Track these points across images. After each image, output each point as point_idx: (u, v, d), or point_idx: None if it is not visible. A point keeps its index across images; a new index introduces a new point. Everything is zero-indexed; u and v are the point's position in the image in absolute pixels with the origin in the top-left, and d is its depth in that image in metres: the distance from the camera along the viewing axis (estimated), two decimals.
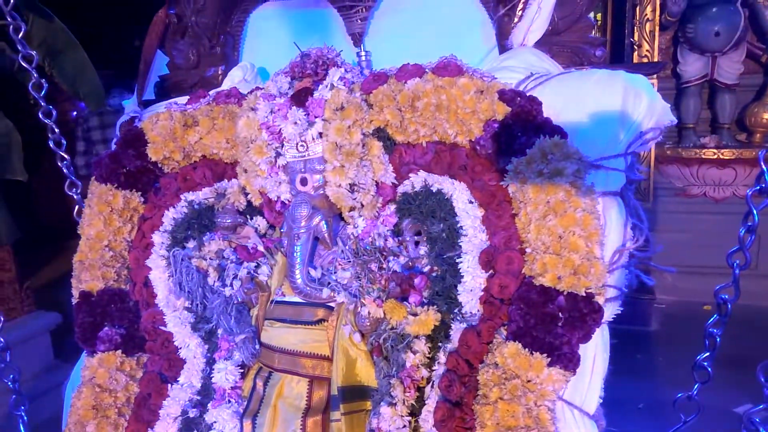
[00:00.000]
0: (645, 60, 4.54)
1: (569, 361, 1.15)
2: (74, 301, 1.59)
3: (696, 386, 1.53)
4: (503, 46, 1.64)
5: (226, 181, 1.62)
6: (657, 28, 4.55)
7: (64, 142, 1.88)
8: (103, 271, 1.55)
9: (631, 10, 4.53)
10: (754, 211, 1.34)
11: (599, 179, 1.30)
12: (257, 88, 1.55)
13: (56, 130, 1.86)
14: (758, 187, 1.32)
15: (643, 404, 3.41)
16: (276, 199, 1.49)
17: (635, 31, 4.56)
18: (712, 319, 1.47)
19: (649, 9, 4.52)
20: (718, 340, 1.48)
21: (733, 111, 4.69)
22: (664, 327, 4.24)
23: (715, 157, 4.56)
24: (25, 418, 1.85)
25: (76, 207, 1.85)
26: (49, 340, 3.81)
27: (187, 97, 1.68)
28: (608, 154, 1.32)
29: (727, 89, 4.63)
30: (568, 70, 1.47)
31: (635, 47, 4.57)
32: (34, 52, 1.80)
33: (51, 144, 1.87)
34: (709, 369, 1.49)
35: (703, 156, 4.57)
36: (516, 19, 1.60)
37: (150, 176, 1.62)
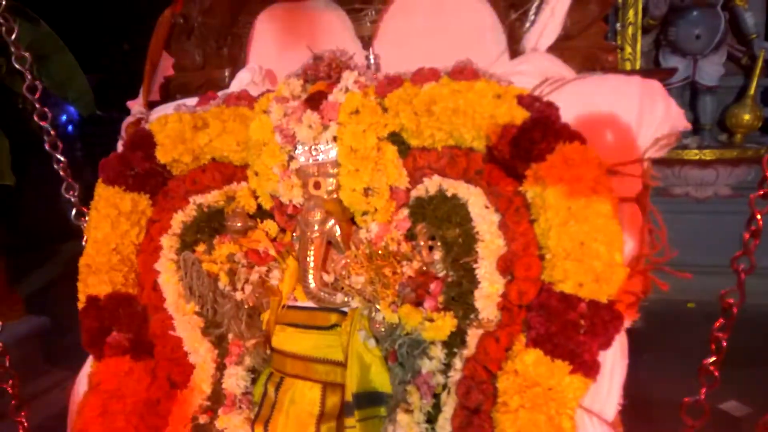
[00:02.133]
0: (628, 63, 4.62)
1: (590, 369, 1.15)
2: (80, 305, 1.56)
3: (703, 390, 1.54)
4: (514, 51, 1.63)
5: (235, 183, 1.60)
6: (639, 31, 4.62)
7: (60, 144, 1.85)
8: (110, 275, 1.52)
9: (614, 14, 4.59)
10: (758, 216, 1.35)
11: (615, 185, 1.30)
12: (268, 91, 1.54)
13: (52, 133, 1.84)
14: (762, 192, 1.34)
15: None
16: (288, 203, 1.48)
17: (618, 34, 4.62)
18: (717, 323, 1.47)
19: (631, 13, 4.59)
20: (724, 343, 1.49)
21: (714, 112, 4.78)
22: (648, 325, 4.28)
23: (697, 157, 4.63)
24: (26, 423, 1.82)
25: (74, 210, 1.82)
26: (38, 345, 3.76)
27: (196, 98, 1.66)
28: (624, 160, 1.33)
29: (708, 91, 4.72)
30: (582, 76, 1.47)
31: (618, 51, 4.62)
32: (27, 54, 1.78)
33: (47, 146, 1.84)
34: (716, 373, 1.50)
35: (685, 156, 4.63)
36: (528, 24, 1.59)
37: (158, 179, 1.59)
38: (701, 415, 1.54)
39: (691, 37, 4.56)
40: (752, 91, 4.59)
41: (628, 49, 4.61)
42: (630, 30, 4.59)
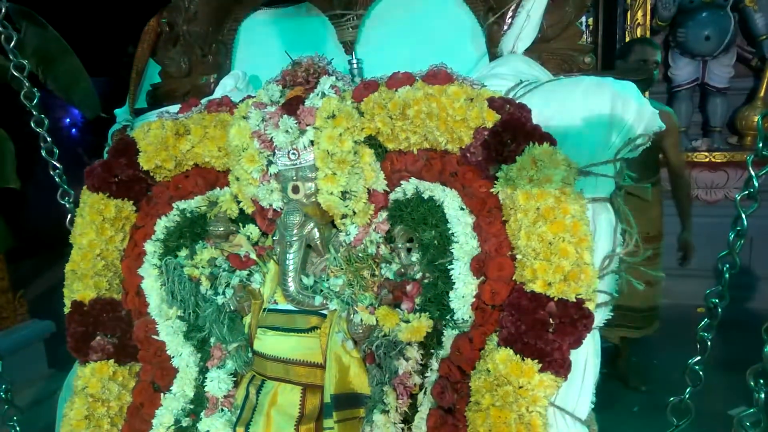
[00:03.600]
0: None
1: (560, 367, 1.15)
2: (66, 310, 1.58)
3: (688, 390, 1.54)
4: (493, 54, 1.64)
5: (218, 189, 1.62)
6: (648, 32, 4.60)
7: (56, 150, 1.88)
8: (95, 281, 1.55)
9: (623, 15, 4.57)
10: (743, 216, 1.35)
11: (589, 185, 1.31)
12: (249, 97, 1.56)
13: (48, 139, 1.87)
14: (746, 192, 1.34)
15: (637, 407, 3.42)
16: (268, 207, 1.49)
17: (626, 35, 4.60)
18: (702, 323, 1.47)
19: (640, 14, 4.58)
20: (709, 343, 1.49)
21: (724, 114, 4.73)
22: (658, 330, 4.26)
23: (707, 160, 4.60)
24: (18, 428, 1.85)
25: (69, 216, 1.85)
26: (43, 349, 3.81)
27: (179, 105, 1.68)
28: (598, 161, 1.33)
29: (718, 93, 4.68)
30: (557, 78, 1.48)
31: None
32: (25, 61, 1.81)
33: (43, 153, 1.87)
34: (701, 373, 1.50)
35: (695, 159, 4.60)
36: (505, 27, 1.60)
37: (142, 185, 1.61)
38: (686, 415, 1.55)
39: (701, 39, 4.54)
40: (762, 92, 4.56)
41: None
42: (639, 31, 4.58)
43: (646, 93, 3.44)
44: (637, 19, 4.60)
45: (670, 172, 3.33)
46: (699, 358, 1.51)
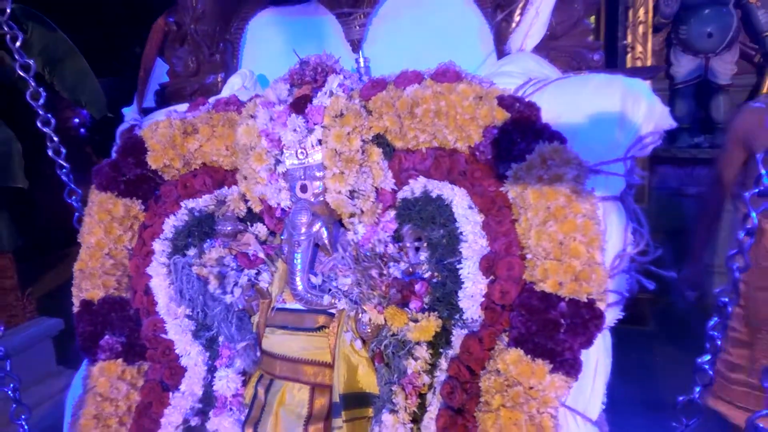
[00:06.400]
0: (639, 62, 4.57)
1: (571, 367, 1.15)
2: (75, 309, 1.58)
3: (698, 389, 1.53)
4: (501, 52, 1.64)
5: (226, 188, 1.62)
6: (650, 30, 4.58)
7: (63, 150, 1.88)
8: (103, 280, 1.55)
9: (624, 13, 4.56)
10: (753, 214, 1.34)
11: (599, 184, 1.30)
12: (256, 96, 1.55)
13: (55, 139, 1.87)
14: (757, 190, 1.32)
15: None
16: (276, 206, 1.49)
17: (628, 33, 4.58)
18: (712, 322, 1.46)
19: (642, 11, 4.55)
20: (718, 342, 1.47)
21: (728, 111, 4.71)
22: (662, 327, 4.25)
23: (709, 157, 4.57)
24: (26, 427, 1.85)
25: (76, 215, 1.86)
26: (51, 347, 3.81)
27: (187, 104, 1.68)
28: (608, 159, 1.32)
29: (721, 90, 4.66)
30: (566, 75, 1.47)
31: (629, 49, 4.60)
32: (31, 61, 1.81)
33: (50, 152, 1.87)
34: (710, 372, 1.49)
35: (697, 156, 4.58)
36: (514, 24, 1.60)
37: (150, 184, 1.61)
38: (696, 414, 1.54)
39: (703, 36, 4.51)
40: (765, 89, 4.52)
41: (639, 48, 4.57)
42: (641, 29, 4.55)
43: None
44: (639, 16, 4.57)
45: None
46: (708, 357, 1.50)
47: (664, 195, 4.77)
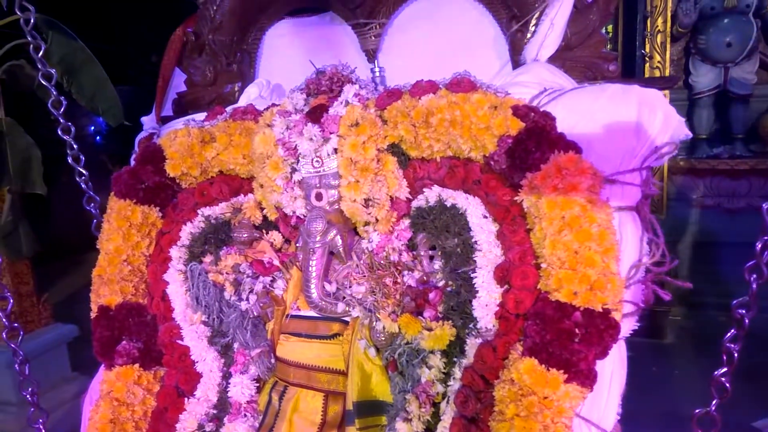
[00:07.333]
0: (657, 71, 4.55)
1: (586, 378, 1.14)
2: (93, 315, 1.61)
3: (714, 402, 1.51)
4: (516, 62, 1.64)
5: (242, 196, 1.64)
6: (668, 39, 4.56)
7: (82, 157, 1.92)
8: (121, 286, 1.57)
9: (643, 22, 4.54)
10: None
11: (614, 194, 1.30)
12: (273, 105, 1.57)
13: (75, 146, 1.90)
14: None
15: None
16: (291, 214, 1.51)
17: (646, 42, 4.57)
18: (729, 334, 1.45)
19: (660, 21, 4.53)
20: (735, 355, 1.46)
21: (747, 121, 4.67)
22: (679, 339, 4.21)
23: (729, 168, 4.53)
24: (43, 431, 1.87)
25: (94, 222, 1.89)
26: (66, 353, 3.85)
27: (205, 113, 1.71)
28: (623, 169, 1.32)
29: (740, 100, 4.62)
30: (581, 85, 1.47)
31: (647, 59, 4.59)
32: (53, 70, 1.85)
33: (69, 159, 1.91)
34: (728, 384, 1.48)
35: (717, 167, 4.55)
36: (529, 35, 1.60)
37: (168, 192, 1.64)
38: (713, 427, 1.52)
39: (722, 45, 4.49)
40: None
41: (657, 58, 4.56)
42: (659, 38, 4.54)
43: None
44: (657, 26, 4.56)
45: None
46: (725, 369, 1.48)
47: (682, 206, 4.73)
